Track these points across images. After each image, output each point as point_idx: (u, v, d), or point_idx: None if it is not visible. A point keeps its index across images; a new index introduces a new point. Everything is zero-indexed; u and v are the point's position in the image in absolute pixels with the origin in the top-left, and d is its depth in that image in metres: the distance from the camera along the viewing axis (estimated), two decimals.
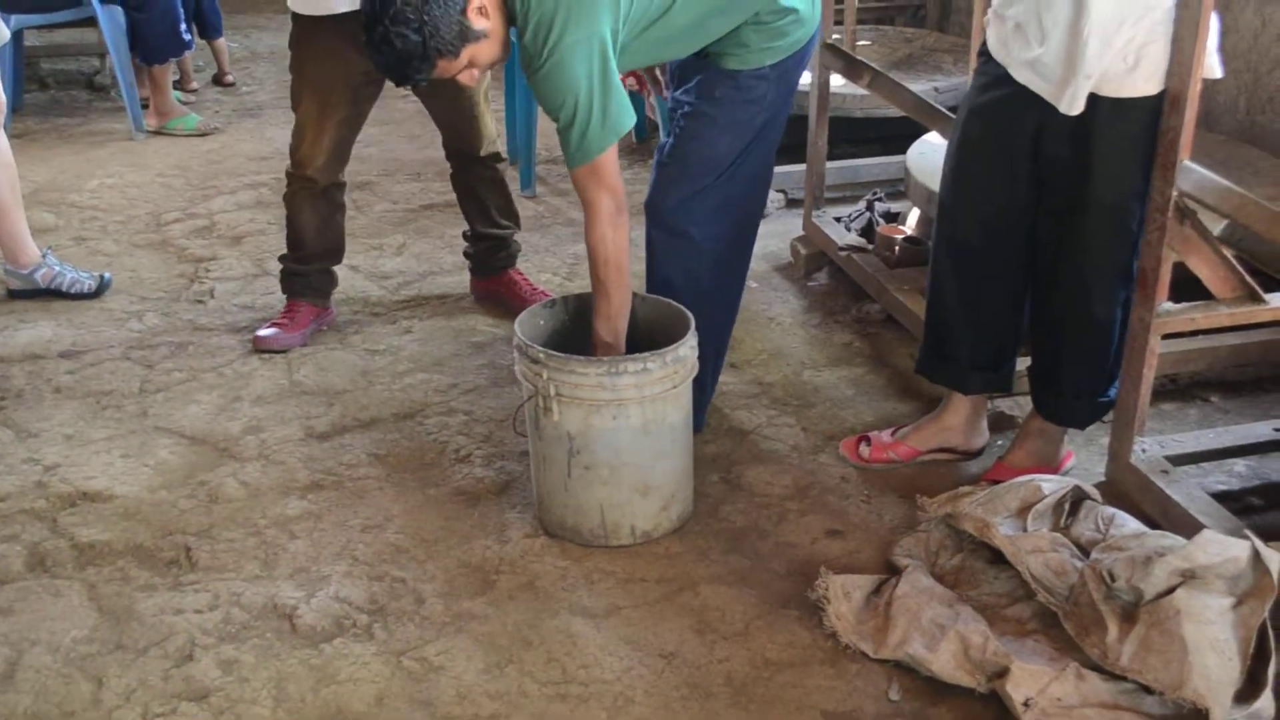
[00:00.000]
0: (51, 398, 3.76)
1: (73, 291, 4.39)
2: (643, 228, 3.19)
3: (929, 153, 4.00)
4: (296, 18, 3.70)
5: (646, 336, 3.12)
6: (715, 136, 3.13)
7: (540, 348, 2.94)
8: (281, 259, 4.09)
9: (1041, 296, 3.12)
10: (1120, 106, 2.78)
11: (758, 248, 4.31)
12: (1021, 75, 2.93)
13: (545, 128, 5.52)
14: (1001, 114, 2.98)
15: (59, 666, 2.67)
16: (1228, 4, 3.92)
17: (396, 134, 5.99)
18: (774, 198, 4.87)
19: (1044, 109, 2.85)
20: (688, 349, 2.97)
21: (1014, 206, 3.04)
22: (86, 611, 2.85)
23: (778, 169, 4.57)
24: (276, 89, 6.69)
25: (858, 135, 4.98)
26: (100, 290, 4.40)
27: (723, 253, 3.28)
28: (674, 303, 3.09)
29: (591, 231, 2.89)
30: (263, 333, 4.03)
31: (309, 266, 4.05)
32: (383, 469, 3.37)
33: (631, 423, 2.91)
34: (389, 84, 3.63)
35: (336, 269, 4.14)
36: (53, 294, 4.35)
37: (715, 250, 3.25)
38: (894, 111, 4.10)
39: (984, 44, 3.07)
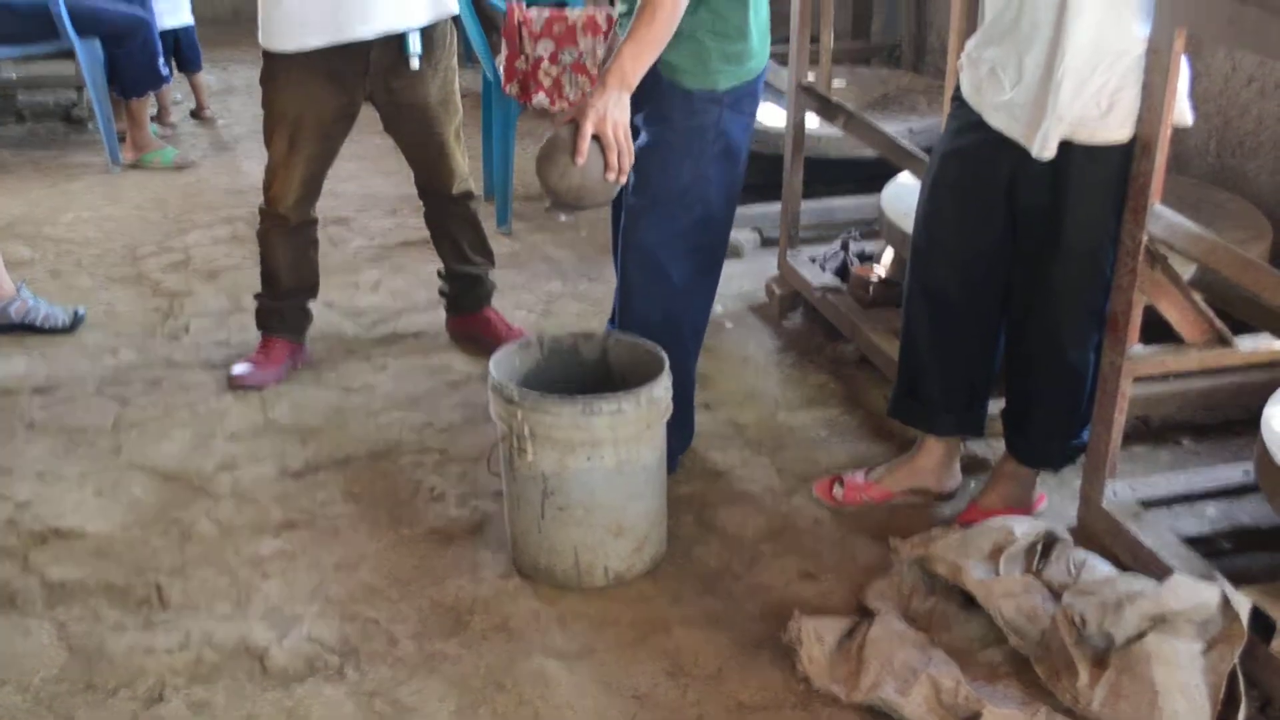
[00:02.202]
0: (24, 433, 3.74)
1: (46, 326, 4.36)
2: None
3: (903, 194, 4.00)
4: (267, 55, 3.68)
5: (620, 377, 3.13)
6: (677, 164, 3.10)
7: (515, 387, 2.94)
8: (256, 295, 4.05)
9: (1014, 339, 3.11)
10: (1093, 152, 2.79)
11: (733, 287, 4.66)
12: (995, 119, 2.92)
13: (522, 165, 5.54)
14: (975, 158, 2.98)
15: (28, 706, 2.64)
16: (1199, 49, 3.96)
17: (372, 169, 5.96)
18: (749, 237, 4.90)
19: (1018, 154, 2.85)
20: (662, 389, 2.97)
21: (987, 249, 3.03)
22: (56, 650, 2.83)
23: (753, 208, 4.91)
24: (253, 123, 6.64)
25: (833, 175, 4.98)
26: (74, 325, 4.38)
27: (696, 292, 3.28)
28: (647, 343, 3.09)
29: None
30: (237, 369, 4.00)
31: (284, 303, 4.03)
32: (357, 507, 3.36)
33: (606, 463, 2.91)
34: (363, 119, 3.66)
35: (311, 305, 4.11)
36: (27, 329, 4.33)
37: (690, 290, 3.25)
38: (869, 152, 4.09)
39: (958, 88, 3.06)
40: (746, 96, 3.13)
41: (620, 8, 3.12)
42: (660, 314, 3.20)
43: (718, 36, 3.04)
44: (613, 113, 2.78)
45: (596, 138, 2.78)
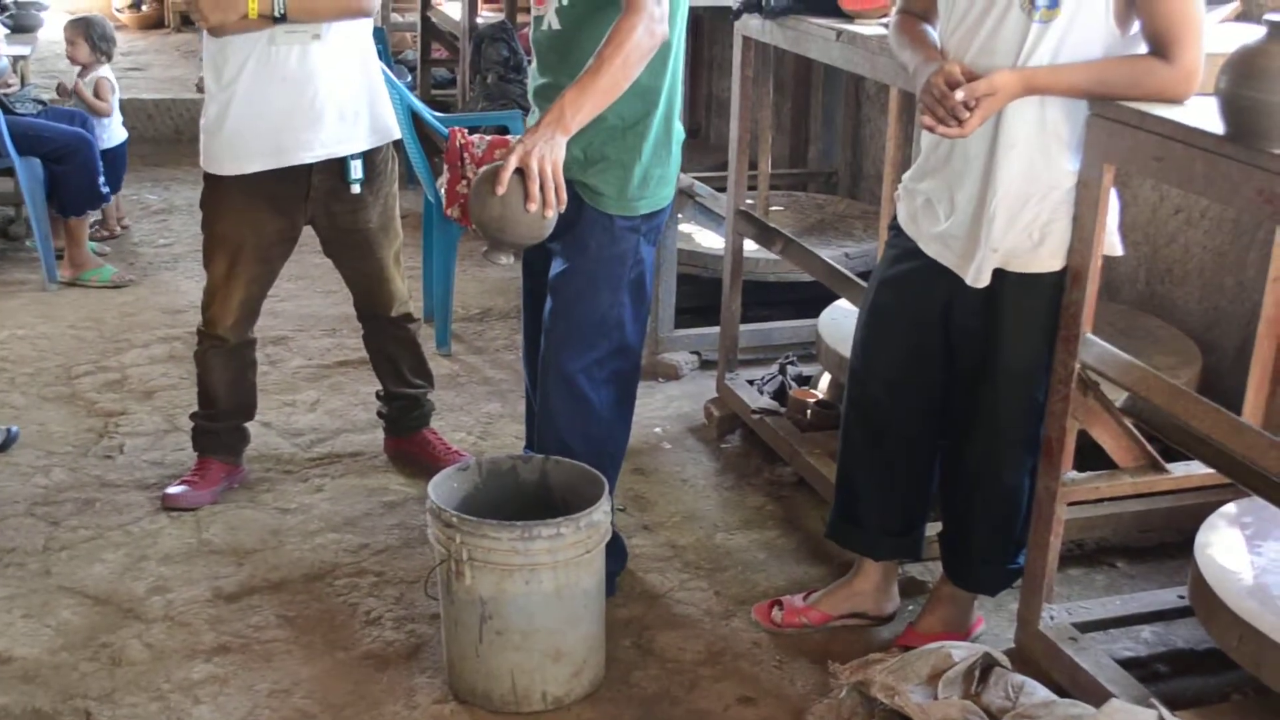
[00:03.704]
0: None
1: None
2: None
3: (840, 319, 4.05)
4: (208, 177, 3.69)
5: (560, 500, 3.14)
6: (595, 293, 3.12)
7: (453, 511, 2.93)
8: (193, 416, 4.03)
9: (951, 463, 3.15)
10: (1026, 281, 2.83)
11: (672, 409, 4.70)
12: (931, 249, 2.97)
13: (463, 287, 5.57)
14: (912, 284, 3.03)
15: None
16: (1127, 180, 4.05)
17: (312, 289, 5.92)
18: (688, 359, 4.92)
19: (954, 280, 2.90)
20: (601, 514, 2.98)
21: (924, 374, 3.07)
22: None
23: (692, 331, 4.99)
24: (194, 242, 6.55)
25: (771, 299, 5.01)
26: (6, 444, 4.32)
27: (617, 417, 3.31)
28: (586, 467, 3.12)
29: (626, 21, 2.79)
30: (172, 490, 3.95)
31: (220, 424, 4.00)
32: (291, 631, 3.32)
33: (545, 588, 2.91)
34: (303, 236, 3.66)
35: (248, 426, 4.08)
36: None
37: (611, 414, 3.27)
38: (806, 276, 4.13)
39: (894, 217, 3.11)
40: (658, 226, 3.18)
41: (535, 81, 3.11)
42: (582, 439, 3.21)
43: (644, 160, 3.09)
44: (540, 149, 2.74)
45: (521, 172, 2.75)
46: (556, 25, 3.03)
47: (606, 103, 2.83)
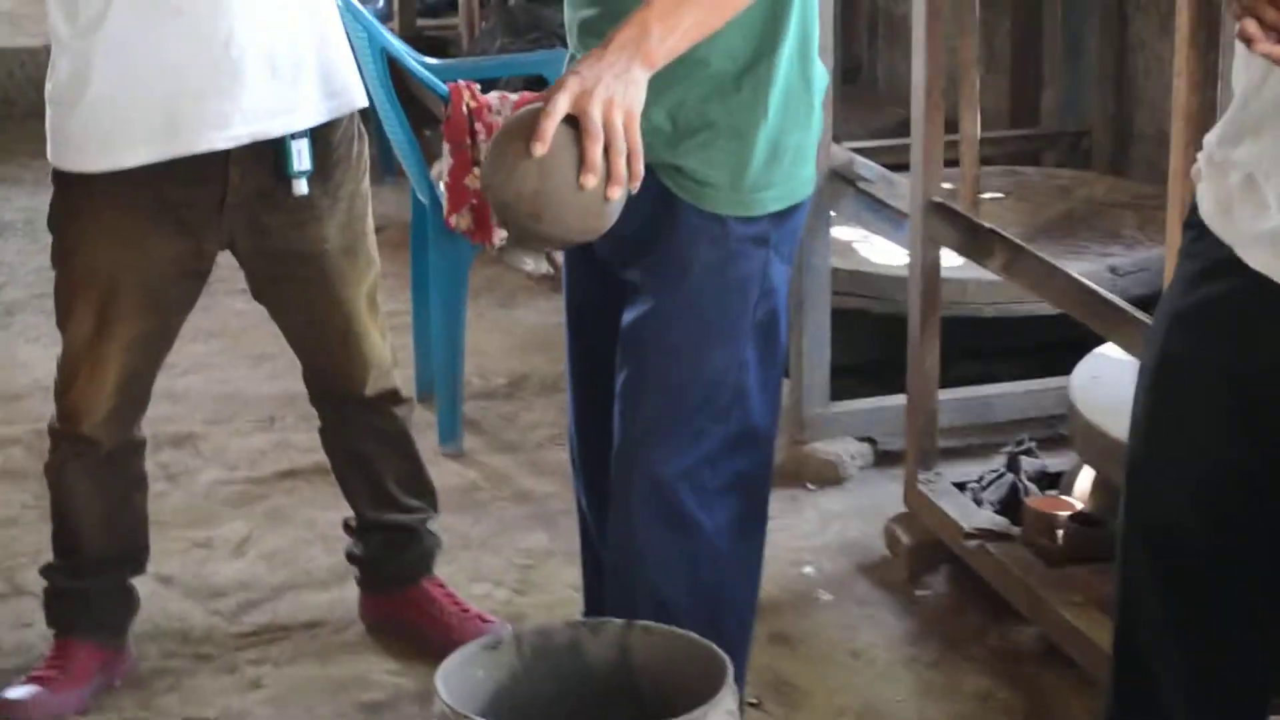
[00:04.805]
0: None
1: None
2: None
3: (1106, 376, 3.73)
4: (61, 177, 3.46)
5: (651, 692, 2.83)
6: (701, 348, 2.85)
7: (479, 718, 2.68)
8: (45, 570, 3.79)
9: None
10: None
11: (831, 533, 4.30)
12: (1257, 257, 2.53)
13: (480, 342, 5.26)
14: (1228, 320, 2.60)
15: None
16: None
17: (235, 353, 5.49)
18: (856, 451, 4.49)
19: None
20: (724, 714, 2.68)
21: (1251, 470, 2.61)
22: None
23: (860, 404, 4.61)
24: (39, 285, 6.21)
25: (989, 346, 4.63)
26: None
27: (741, 549, 3.00)
28: (694, 636, 2.75)
29: None
30: (14, 693, 3.65)
31: (90, 582, 3.70)
32: None
33: None
34: (220, 272, 3.54)
35: (136, 583, 3.80)
36: None
37: (733, 547, 2.96)
38: (1045, 309, 3.86)
39: (1193, 207, 2.70)
40: (795, 231, 2.96)
41: (578, 8, 2.85)
42: (687, 590, 2.94)
43: (770, 124, 2.77)
44: (610, 87, 2.42)
45: (574, 120, 2.46)
46: None
47: (721, 18, 2.59)
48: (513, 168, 2.55)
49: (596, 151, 2.48)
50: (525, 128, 2.54)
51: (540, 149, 2.50)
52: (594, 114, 2.46)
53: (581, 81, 2.49)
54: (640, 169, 2.55)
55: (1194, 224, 2.69)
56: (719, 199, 2.85)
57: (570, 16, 2.98)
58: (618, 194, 2.55)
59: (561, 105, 2.46)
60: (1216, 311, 2.65)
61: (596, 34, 2.80)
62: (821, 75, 3.00)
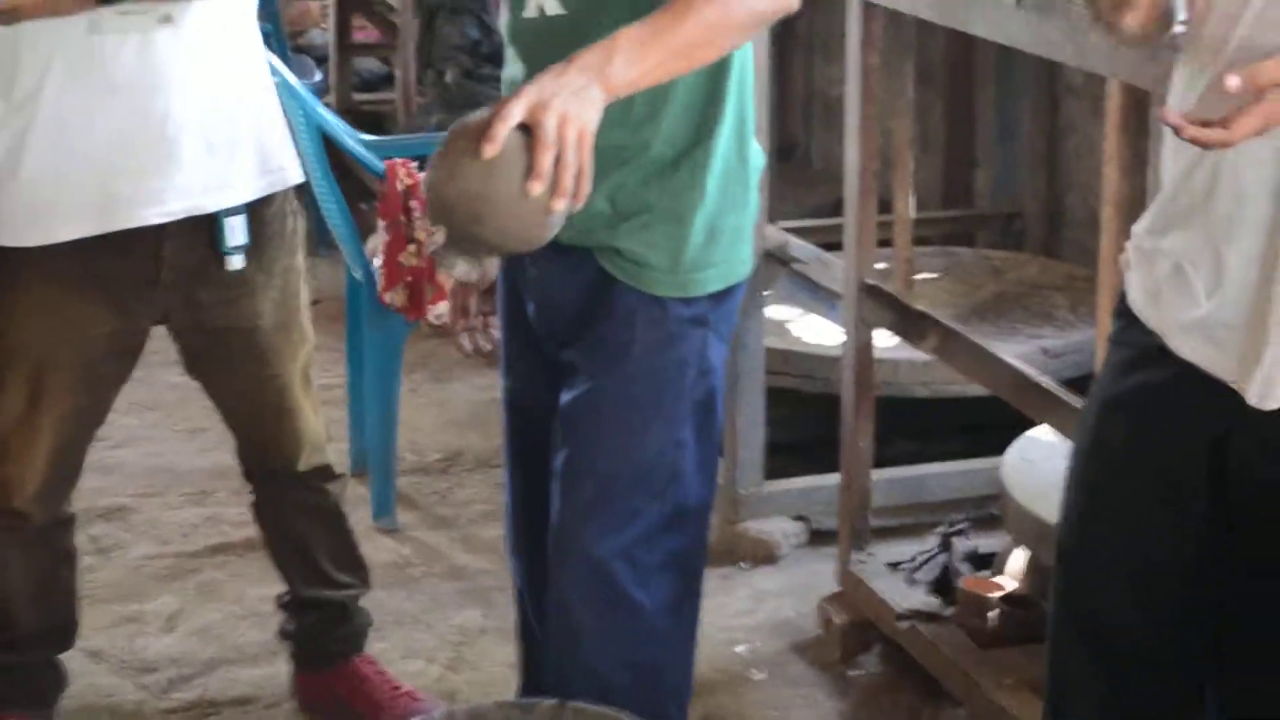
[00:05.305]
0: None
1: None
2: None
3: (1037, 458, 3.78)
4: None
5: None
6: (639, 428, 2.85)
7: None
8: None
9: (1234, 705, 2.74)
10: None
11: (765, 611, 4.29)
12: (1185, 346, 2.60)
13: (415, 417, 5.28)
14: (1158, 409, 2.66)
15: None
16: None
17: (166, 426, 5.50)
18: (789, 530, 4.51)
19: (1229, 401, 2.57)
20: None
21: (1181, 558, 2.67)
22: None
23: (794, 482, 4.60)
24: None
25: (922, 426, 4.67)
26: None
27: (677, 627, 3.00)
28: (628, 716, 2.71)
29: None
30: None
31: (18, 656, 3.70)
32: None
33: None
34: (154, 345, 3.50)
35: (64, 658, 3.78)
36: None
37: (668, 623, 2.97)
38: (977, 389, 3.90)
39: (1123, 295, 2.76)
40: (732, 311, 2.96)
41: (527, 70, 2.86)
42: (624, 668, 2.93)
43: (708, 206, 2.79)
44: (568, 102, 2.42)
45: (525, 129, 2.44)
46: (555, 8, 2.80)
47: (685, 66, 2.59)
48: (458, 167, 2.49)
49: (547, 160, 2.43)
50: (476, 129, 2.48)
51: (491, 150, 2.44)
52: (548, 124, 2.42)
53: (540, 92, 2.46)
54: (586, 189, 2.50)
55: (1123, 312, 2.74)
56: (657, 280, 2.86)
57: (509, 72, 2.95)
58: (561, 206, 2.49)
59: (517, 111, 2.43)
60: (1147, 400, 2.69)
61: None
62: (758, 155, 3.00)
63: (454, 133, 2.58)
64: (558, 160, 2.43)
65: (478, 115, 2.56)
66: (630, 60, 2.52)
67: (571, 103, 2.46)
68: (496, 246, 2.58)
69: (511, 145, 2.46)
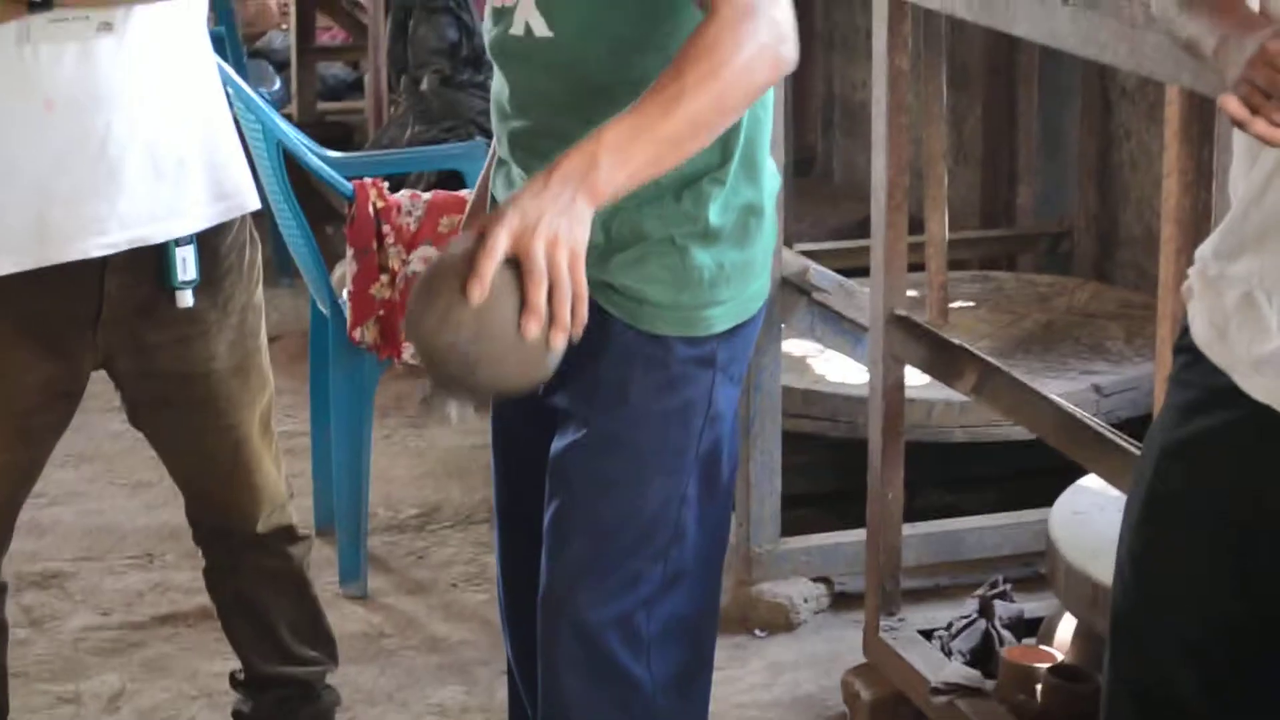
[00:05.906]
0: None
1: None
2: None
3: (1090, 511, 3.63)
4: None
5: None
6: (636, 483, 2.70)
7: None
8: None
9: None
10: None
11: (783, 685, 4.15)
12: (1256, 386, 2.41)
13: (387, 469, 5.11)
14: (1223, 457, 2.46)
15: None
16: None
17: (109, 481, 5.28)
18: (809, 592, 4.32)
19: None
20: None
21: (1244, 627, 2.49)
22: None
23: (813, 539, 4.45)
24: None
25: (959, 474, 4.52)
26: None
27: (679, 703, 2.82)
28: None
29: (731, 23, 2.37)
30: None
31: None
32: None
33: None
34: (93, 390, 3.39)
35: None
36: None
37: (670, 701, 2.79)
38: (1021, 433, 3.80)
39: (1185, 328, 2.60)
40: (743, 352, 2.81)
41: (508, 120, 2.72)
42: None
43: (714, 235, 2.65)
44: (553, 224, 2.26)
45: (515, 263, 2.31)
46: (543, 29, 2.66)
47: (675, 159, 2.43)
48: (448, 313, 2.36)
49: (540, 296, 2.32)
50: (459, 268, 2.36)
51: (479, 294, 2.33)
52: (536, 254, 2.29)
53: (522, 217, 2.32)
54: (584, 314, 2.37)
55: (1185, 347, 2.56)
56: (658, 318, 2.74)
57: (499, 127, 2.87)
58: (561, 341, 2.38)
59: (502, 244, 2.30)
60: (1212, 447, 2.51)
61: (525, 147, 2.77)
62: (773, 177, 2.87)
63: (435, 270, 2.46)
64: (552, 291, 2.32)
65: (459, 248, 2.44)
66: (616, 163, 2.41)
67: (558, 223, 2.34)
68: (495, 391, 2.54)
69: (500, 282, 2.34)
